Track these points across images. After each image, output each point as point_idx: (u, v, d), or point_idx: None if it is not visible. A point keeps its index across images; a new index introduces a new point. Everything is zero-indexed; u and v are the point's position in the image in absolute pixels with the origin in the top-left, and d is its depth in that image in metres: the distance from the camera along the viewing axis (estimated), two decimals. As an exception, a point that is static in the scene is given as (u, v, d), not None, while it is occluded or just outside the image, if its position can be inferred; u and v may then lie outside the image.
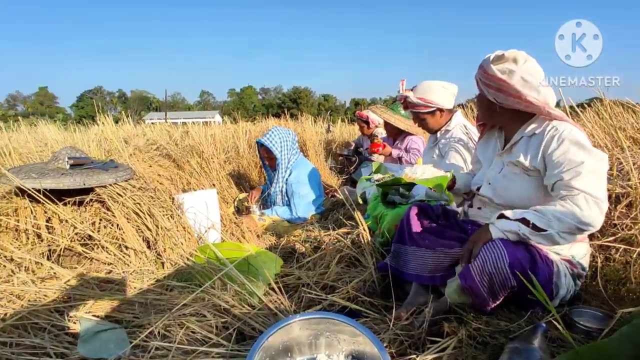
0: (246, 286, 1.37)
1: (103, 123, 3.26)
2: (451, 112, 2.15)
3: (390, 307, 1.53)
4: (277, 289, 1.41)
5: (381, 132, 4.31)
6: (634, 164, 1.56)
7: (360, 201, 2.30)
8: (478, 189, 1.43)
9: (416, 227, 1.50)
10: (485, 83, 1.28)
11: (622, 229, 1.36)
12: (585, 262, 1.26)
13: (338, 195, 3.10)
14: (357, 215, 1.92)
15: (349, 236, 2.10)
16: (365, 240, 1.87)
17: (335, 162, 4.84)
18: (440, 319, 1.26)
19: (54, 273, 1.58)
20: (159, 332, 1.19)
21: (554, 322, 0.99)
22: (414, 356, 1.12)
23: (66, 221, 2.07)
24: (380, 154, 3.42)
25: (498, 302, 1.19)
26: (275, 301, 1.37)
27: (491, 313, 1.23)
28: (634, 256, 1.28)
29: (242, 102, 78.28)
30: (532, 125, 1.27)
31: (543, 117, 1.25)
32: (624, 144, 1.62)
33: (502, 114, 1.32)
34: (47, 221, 2.02)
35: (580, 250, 1.25)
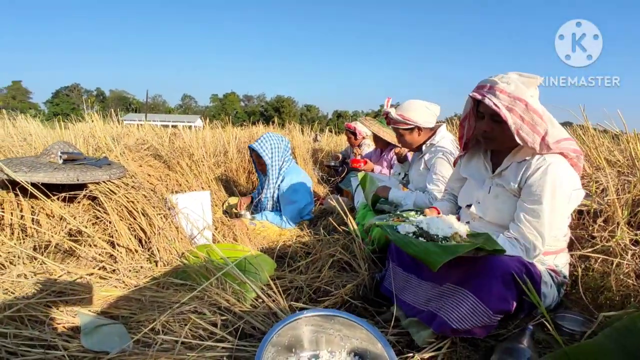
0: (246, 285, 1.39)
1: (92, 120, 3.21)
2: (432, 130, 2.24)
3: (382, 313, 1.58)
4: (275, 290, 1.43)
5: (369, 144, 4.41)
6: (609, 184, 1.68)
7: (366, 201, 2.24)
8: (468, 206, 1.48)
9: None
10: (520, 116, 1.19)
11: (601, 241, 1.47)
12: (566, 271, 1.34)
13: (331, 202, 3.13)
14: (351, 221, 1.96)
15: (341, 242, 2.15)
16: (358, 247, 1.92)
17: (322, 172, 4.90)
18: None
19: (46, 268, 1.55)
20: (159, 329, 1.19)
21: (544, 323, 1.07)
22: (411, 354, 1.17)
23: (54, 217, 2.03)
24: (362, 170, 3.41)
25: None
26: (274, 301, 1.40)
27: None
28: (612, 267, 1.38)
29: (225, 108, 77.75)
30: (522, 152, 1.28)
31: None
32: (604, 164, 1.75)
33: (507, 141, 1.28)
34: (32, 216, 1.98)
35: (562, 260, 1.33)
